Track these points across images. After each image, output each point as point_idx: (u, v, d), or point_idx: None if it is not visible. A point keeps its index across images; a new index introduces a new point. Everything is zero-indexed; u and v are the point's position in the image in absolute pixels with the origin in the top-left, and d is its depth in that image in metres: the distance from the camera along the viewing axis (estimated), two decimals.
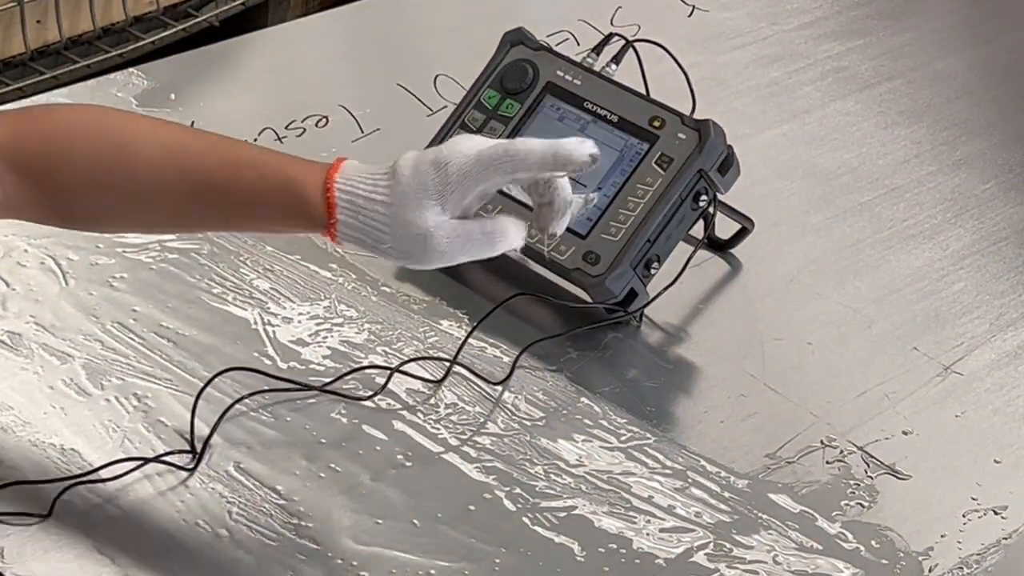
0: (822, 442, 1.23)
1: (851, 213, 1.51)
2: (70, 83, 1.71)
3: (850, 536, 1.15)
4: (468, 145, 1.05)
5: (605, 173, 1.34)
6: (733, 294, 1.40)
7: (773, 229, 1.46)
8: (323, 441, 1.19)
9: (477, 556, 1.11)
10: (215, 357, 1.25)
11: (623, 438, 1.22)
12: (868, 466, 1.21)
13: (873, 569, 1.12)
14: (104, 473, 1.12)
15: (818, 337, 1.34)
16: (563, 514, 1.15)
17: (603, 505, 1.16)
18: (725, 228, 1.43)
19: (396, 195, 1.04)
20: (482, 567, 1.10)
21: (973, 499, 1.19)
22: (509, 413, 1.23)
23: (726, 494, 1.18)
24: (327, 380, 1.23)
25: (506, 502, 1.15)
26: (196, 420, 1.17)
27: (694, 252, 1.33)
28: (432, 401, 1.23)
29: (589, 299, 1.32)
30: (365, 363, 1.26)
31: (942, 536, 1.16)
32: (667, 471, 1.19)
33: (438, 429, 1.21)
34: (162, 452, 1.15)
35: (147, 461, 1.14)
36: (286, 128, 1.54)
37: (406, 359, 1.26)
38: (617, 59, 1.41)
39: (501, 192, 1.30)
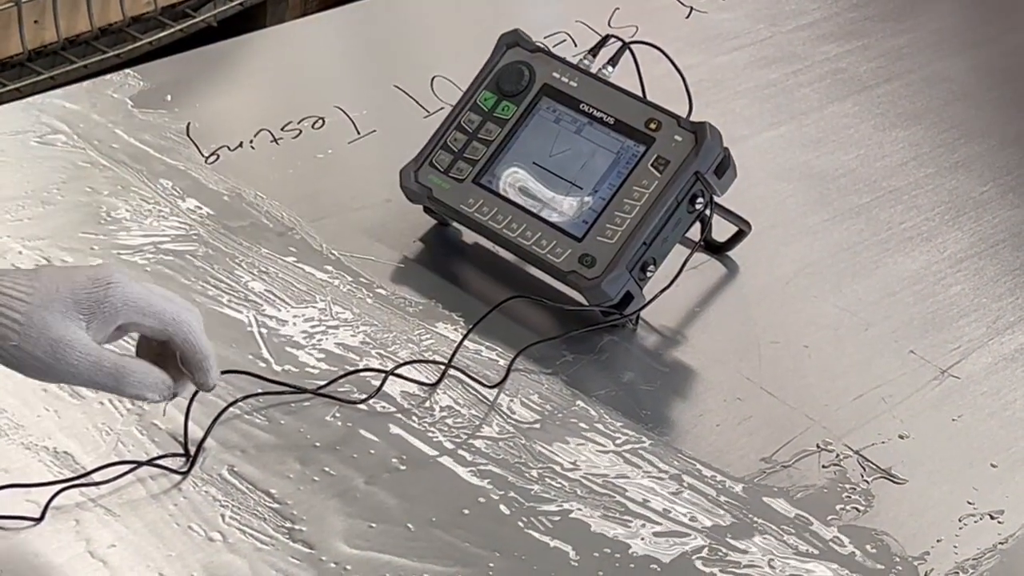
0: (818, 446, 1.23)
1: (848, 215, 1.51)
2: (67, 83, 1.71)
3: (846, 540, 1.14)
4: (136, 287, 1.04)
5: (601, 175, 1.33)
6: (729, 297, 1.40)
7: (770, 231, 1.46)
8: (317, 444, 1.18)
9: (471, 560, 1.10)
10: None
11: (618, 441, 1.22)
12: (864, 470, 1.21)
13: (869, 574, 1.12)
14: (97, 476, 1.12)
15: (815, 340, 1.34)
16: (558, 518, 1.14)
17: (598, 509, 1.15)
18: (722, 230, 1.42)
19: (39, 295, 1.01)
20: (476, 571, 1.09)
21: (969, 503, 1.19)
22: (504, 416, 1.23)
23: (722, 498, 1.17)
24: (322, 383, 1.22)
25: (501, 506, 1.15)
26: (190, 423, 1.17)
27: (691, 255, 1.32)
28: (427, 404, 1.23)
29: (585, 302, 1.31)
30: (360, 366, 1.25)
31: (938, 540, 1.15)
32: (662, 475, 1.19)
33: (433, 432, 1.20)
34: (155, 455, 1.14)
35: (140, 464, 1.14)
36: (282, 129, 1.54)
37: (401, 362, 1.25)
38: (614, 61, 1.41)
39: (505, 198, 1.30)
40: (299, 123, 1.55)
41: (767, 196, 1.51)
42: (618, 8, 1.80)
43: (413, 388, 1.24)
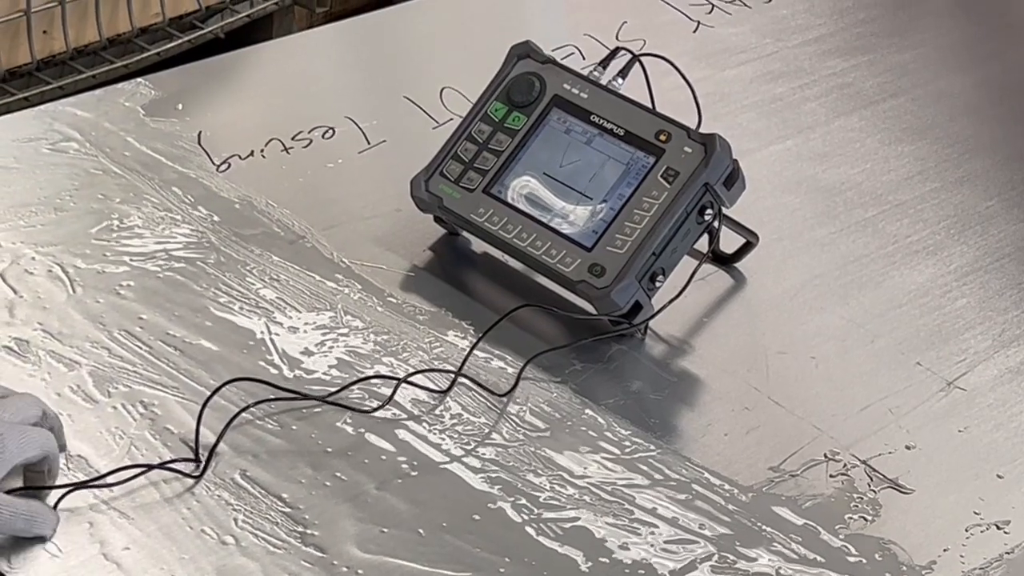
0: (825, 455, 1.24)
1: (855, 228, 1.52)
2: (75, 93, 1.72)
3: (853, 549, 1.15)
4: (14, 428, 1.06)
5: (611, 186, 1.34)
6: (737, 308, 1.41)
7: (777, 244, 1.47)
8: (329, 450, 1.19)
9: (482, 565, 1.11)
10: (221, 366, 1.26)
11: (627, 450, 1.23)
12: (871, 480, 1.22)
13: None
14: (110, 479, 1.13)
15: (822, 351, 1.35)
16: (567, 525, 1.15)
17: (607, 516, 1.16)
18: (729, 242, 1.43)
19: None
20: None
21: (976, 513, 1.19)
22: (514, 424, 1.23)
23: (730, 507, 1.18)
24: (333, 390, 1.23)
25: (511, 512, 1.15)
26: (202, 428, 1.18)
27: (699, 266, 1.33)
28: (437, 411, 1.23)
29: (594, 311, 1.32)
30: (370, 373, 1.26)
31: (945, 550, 1.16)
32: (671, 483, 1.20)
33: (443, 439, 1.21)
34: (168, 459, 1.15)
35: (152, 468, 1.14)
36: (292, 139, 1.55)
37: (412, 371, 1.26)
38: (624, 73, 1.42)
39: (515, 207, 1.31)
40: (309, 133, 1.56)
41: (774, 209, 1.52)
42: (626, 22, 1.81)
43: (423, 395, 1.25)
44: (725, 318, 1.39)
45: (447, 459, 1.20)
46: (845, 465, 1.23)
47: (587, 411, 1.26)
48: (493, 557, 1.12)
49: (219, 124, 1.56)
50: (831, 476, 1.22)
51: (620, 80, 1.41)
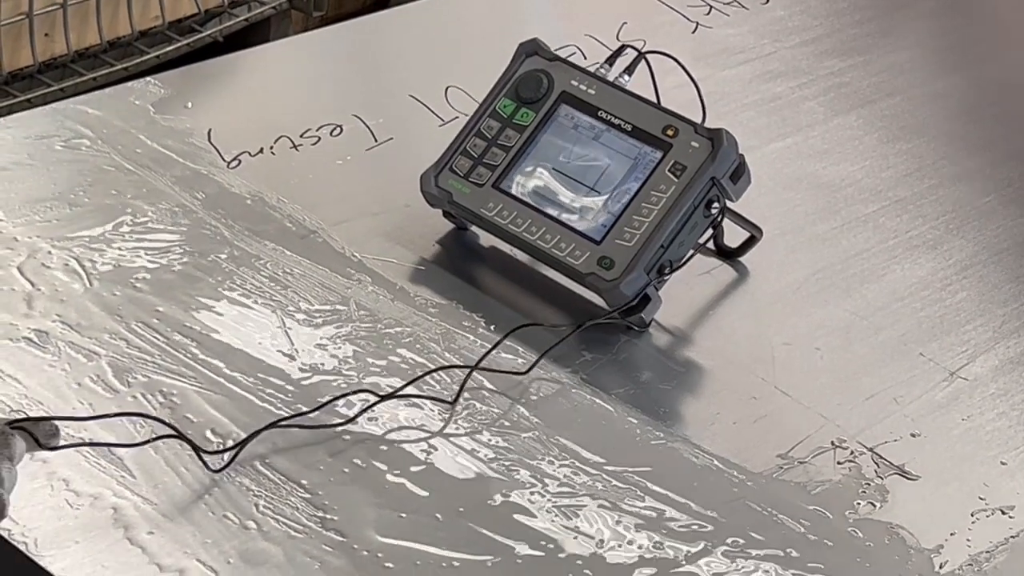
0: (832, 443, 1.26)
1: (856, 224, 1.54)
2: (76, 95, 1.73)
3: (862, 534, 1.18)
4: None
5: (619, 180, 1.37)
6: (741, 300, 1.43)
7: (780, 238, 1.49)
8: (347, 438, 1.21)
9: (499, 550, 1.13)
10: (238, 356, 1.28)
11: (638, 438, 1.25)
12: (878, 467, 1.24)
13: (885, 566, 1.15)
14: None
15: (826, 343, 1.37)
16: (581, 511, 1.17)
17: (620, 502, 1.18)
18: (733, 237, 1.45)
19: None
20: (504, 560, 1.12)
21: (981, 499, 1.22)
22: (527, 413, 1.26)
23: (740, 492, 1.20)
24: (346, 392, 1.24)
25: (527, 496, 1.17)
26: (222, 417, 1.20)
27: (693, 253, 1.35)
28: (453, 398, 1.25)
29: (605, 305, 1.34)
30: (383, 363, 1.28)
31: (951, 534, 1.18)
32: (682, 470, 1.22)
33: (458, 427, 1.23)
34: (196, 447, 1.17)
35: (181, 436, 1.15)
36: (301, 136, 1.57)
37: (428, 370, 1.27)
38: (630, 70, 1.44)
39: (524, 202, 1.33)
40: (317, 131, 1.58)
41: (777, 204, 1.55)
42: (626, 22, 1.83)
43: (438, 387, 1.27)
44: (730, 311, 1.41)
45: (463, 447, 1.22)
46: (852, 452, 1.25)
47: (598, 400, 1.28)
48: (510, 541, 1.14)
49: (228, 122, 1.58)
50: (839, 463, 1.24)
51: (627, 77, 1.44)
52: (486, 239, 1.44)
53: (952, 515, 1.20)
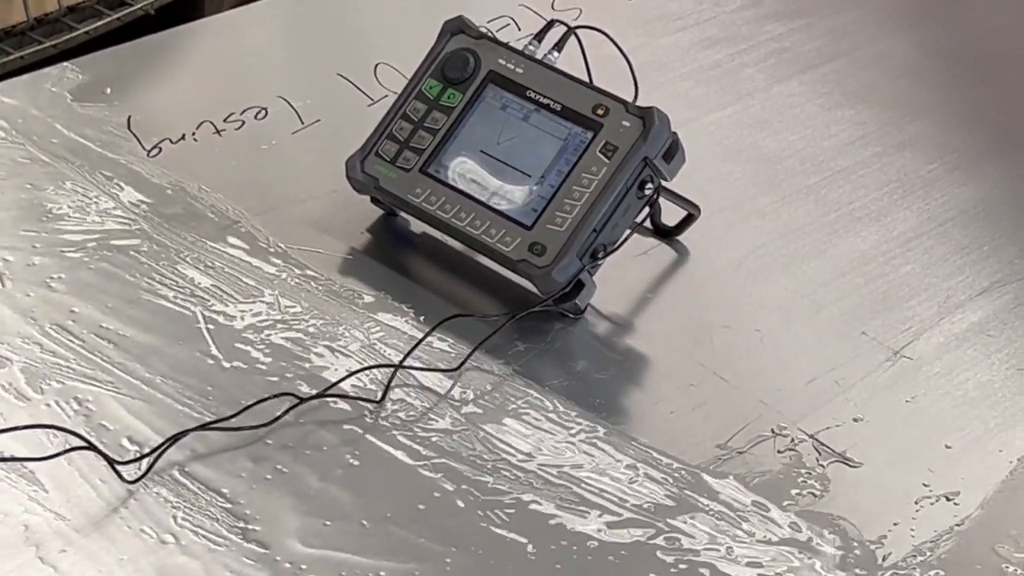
0: (772, 431, 1.22)
1: (797, 196, 1.50)
2: (3, 76, 1.68)
3: (803, 526, 1.14)
4: None
5: (550, 162, 1.32)
6: (680, 282, 1.39)
7: (719, 215, 1.45)
8: (269, 442, 1.17)
9: (427, 556, 1.09)
10: (157, 358, 1.23)
11: (573, 431, 1.21)
12: (819, 454, 1.20)
13: (827, 559, 1.12)
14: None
15: (766, 324, 1.34)
16: (514, 511, 1.13)
17: (554, 500, 1.14)
18: (671, 215, 1.41)
19: None
20: (433, 567, 1.08)
21: (925, 485, 1.18)
22: (457, 409, 1.22)
23: (678, 486, 1.17)
24: (267, 396, 1.20)
25: (456, 500, 1.14)
26: (141, 424, 1.15)
27: (629, 235, 1.31)
28: (379, 398, 1.21)
29: (537, 291, 1.30)
30: (311, 360, 1.24)
31: (895, 524, 1.15)
32: (618, 464, 1.18)
33: (385, 427, 1.19)
34: (109, 458, 1.12)
35: (92, 447, 1.11)
36: (224, 120, 1.52)
37: (356, 368, 1.23)
38: (559, 46, 1.40)
39: (453, 187, 1.29)
40: (242, 114, 1.53)
41: (715, 179, 1.50)
42: None
43: (365, 383, 1.23)
44: (668, 293, 1.37)
45: (390, 447, 1.18)
46: (792, 440, 1.22)
47: (531, 393, 1.24)
48: (439, 547, 1.10)
49: (149, 108, 1.53)
50: (779, 452, 1.21)
51: (556, 53, 1.39)
52: (417, 225, 1.40)
53: (896, 504, 1.17)
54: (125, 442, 1.15)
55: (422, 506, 1.13)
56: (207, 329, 1.27)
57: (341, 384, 1.22)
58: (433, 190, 1.34)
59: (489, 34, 1.39)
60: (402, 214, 1.40)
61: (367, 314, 1.30)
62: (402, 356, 1.24)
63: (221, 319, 1.28)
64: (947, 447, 1.22)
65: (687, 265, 1.41)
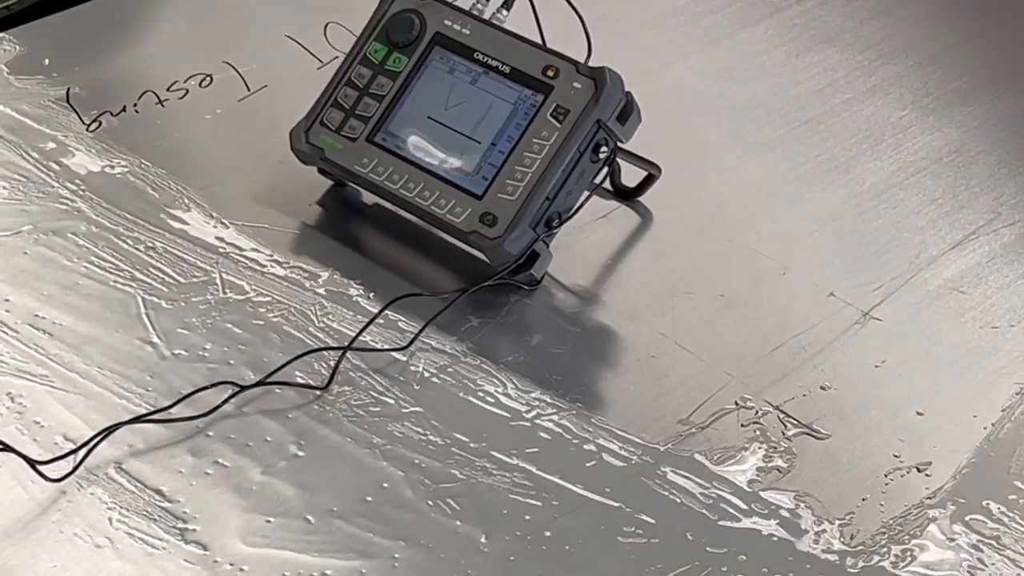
0: (736, 403, 1.18)
1: (763, 150, 1.45)
2: None
3: (768, 506, 1.09)
4: None
5: (500, 127, 1.27)
6: (642, 246, 1.34)
7: (682, 172, 1.40)
8: (210, 434, 1.12)
9: (374, 552, 1.05)
10: (95, 348, 1.19)
11: (528, 411, 1.16)
12: (785, 427, 1.16)
13: (794, 541, 1.07)
14: None
15: (731, 288, 1.28)
16: (466, 499, 1.09)
17: (508, 486, 1.10)
18: (632, 175, 1.36)
19: None
20: (380, 564, 1.04)
21: (895, 456, 1.14)
22: (407, 391, 1.17)
23: (639, 467, 1.12)
24: (204, 386, 1.15)
25: (405, 490, 1.09)
26: (76, 420, 1.11)
27: (588, 198, 1.26)
28: (325, 383, 1.16)
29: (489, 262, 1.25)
30: (251, 348, 1.19)
31: (863, 499, 1.10)
32: (574, 446, 1.13)
33: (332, 413, 1.15)
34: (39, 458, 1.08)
35: (7, 448, 1.07)
36: (168, 90, 1.47)
37: (300, 352, 1.18)
38: (508, 4, 1.34)
39: (401, 156, 1.24)
40: (185, 82, 1.48)
41: (677, 135, 1.45)
42: None
43: (313, 367, 1.18)
44: (629, 259, 1.32)
45: (337, 435, 1.13)
46: (757, 412, 1.17)
47: (486, 371, 1.19)
48: (387, 542, 1.05)
49: (89, 79, 1.47)
50: (743, 426, 1.16)
51: (504, 12, 1.33)
52: (369, 196, 1.35)
53: (864, 477, 1.12)
54: (59, 439, 1.10)
55: (370, 498, 1.08)
56: (147, 315, 1.22)
57: (286, 369, 1.17)
58: (380, 160, 1.29)
59: None
60: (352, 185, 1.35)
61: (314, 294, 1.25)
62: (351, 337, 1.19)
63: (163, 303, 1.23)
64: (918, 414, 1.18)
65: (649, 228, 1.36)
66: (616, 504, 1.09)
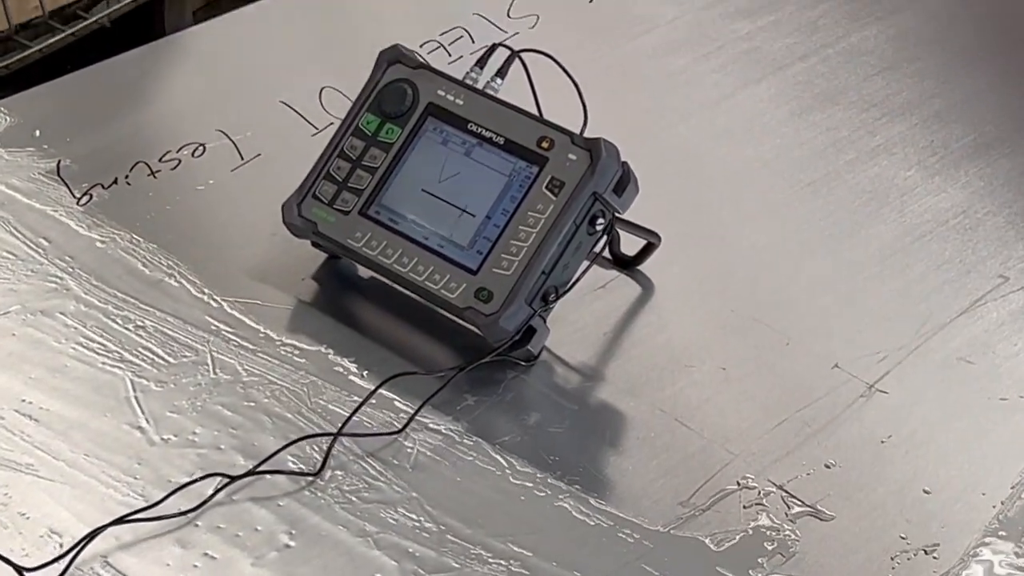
0: (738, 483, 1.15)
1: (765, 213, 1.42)
2: None
3: None
4: None
5: (494, 200, 1.25)
6: (642, 318, 1.31)
7: (682, 239, 1.37)
8: (198, 524, 1.10)
9: None
10: (82, 434, 1.16)
11: (525, 495, 1.13)
12: (789, 507, 1.13)
13: None
14: None
15: (733, 361, 1.26)
16: None
17: (504, 575, 1.07)
18: (631, 241, 1.33)
19: None
20: None
21: (902, 538, 1.11)
22: (402, 475, 1.14)
23: (638, 552, 1.09)
24: (192, 479, 1.12)
25: None
26: (67, 514, 1.08)
27: (587, 269, 1.24)
28: (317, 469, 1.14)
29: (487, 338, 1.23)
30: (242, 432, 1.16)
31: None
32: (573, 532, 1.11)
33: (325, 501, 1.12)
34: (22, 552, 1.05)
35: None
36: (160, 160, 1.45)
37: (293, 439, 1.15)
38: (502, 72, 1.32)
39: (394, 229, 1.21)
40: (178, 152, 1.46)
41: (677, 199, 1.42)
42: None
43: (305, 451, 1.15)
44: (629, 331, 1.30)
45: (329, 523, 1.10)
46: (760, 492, 1.14)
47: (482, 452, 1.17)
48: None
49: (80, 150, 1.45)
50: (745, 507, 1.13)
51: (499, 81, 1.31)
52: (364, 269, 1.32)
53: (870, 560, 1.09)
54: (46, 533, 1.08)
55: None
56: (136, 398, 1.19)
57: (278, 456, 1.14)
58: (374, 233, 1.27)
59: (427, 64, 1.31)
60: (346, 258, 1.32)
61: (307, 373, 1.22)
62: (344, 418, 1.17)
63: (152, 385, 1.21)
64: (926, 492, 1.15)
65: (649, 298, 1.33)
66: None
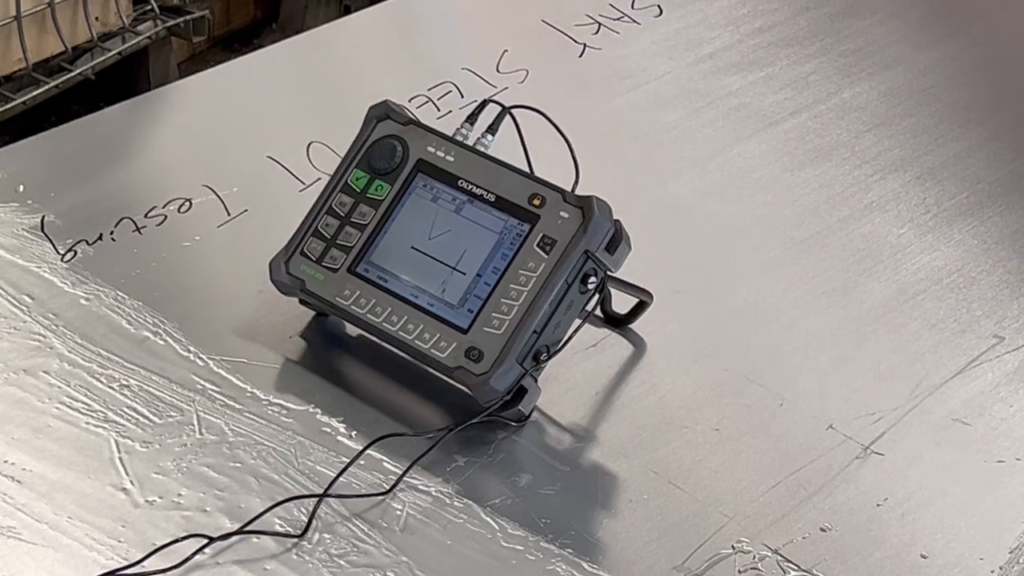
0: (733, 547, 1.13)
1: (758, 271, 1.41)
2: None
3: None
4: None
5: (485, 258, 1.23)
6: (634, 377, 1.29)
7: (674, 298, 1.36)
8: None
9: None
10: (65, 496, 1.14)
11: (515, 559, 1.11)
12: (784, 572, 1.11)
13: None
14: None
15: (726, 421, 1.24)
16: None
17: None
18: (623, 301, 1.32)
19: None
20: None
21: None
22: (390, 538, 1.12)
23: None
24: (175, 539, 1.10)
25: None
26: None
27: (578, 328, 1.22)
28: (303, 531, 1.11)
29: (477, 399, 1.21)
30: (233, 491, 1.14)
31: None
32: None
33: (311, 564, 1.10)
34: None
35: None
36: (146, 216, 1.43)
37: (279, 500, 1.13)
38: (493, 128, 1.30)
39: (383, 287, 1.20)
40: (164, 207, 1.44)
41: (669, 257, 1.41)
42: (507, 50, 1.69)
43: (289, 512, 1.13)
44: (621, 391, 1.28)
45: None
46: (755, 557, 1.12)
47: (472, 515, 1.15)
48: None
49: (65, 206, 1.43)
50: (740, 572, 1.11)
51: (490, 137, 1.30)
52: (352, 327, 1.30)
53: None
54: None
55: None
56: (120, 459, 1.17)
57: (264, 517, 1.12)
58: (362, 291, 1.25)
59: (416, 120, 1.30)
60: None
61: (295, 433, 1.20)
62: (329, 479, 1.15)
63: (137, 446, 1.19)
64: (923, 556, 1.13)
65: (641, 357, 1.31)
66: None
